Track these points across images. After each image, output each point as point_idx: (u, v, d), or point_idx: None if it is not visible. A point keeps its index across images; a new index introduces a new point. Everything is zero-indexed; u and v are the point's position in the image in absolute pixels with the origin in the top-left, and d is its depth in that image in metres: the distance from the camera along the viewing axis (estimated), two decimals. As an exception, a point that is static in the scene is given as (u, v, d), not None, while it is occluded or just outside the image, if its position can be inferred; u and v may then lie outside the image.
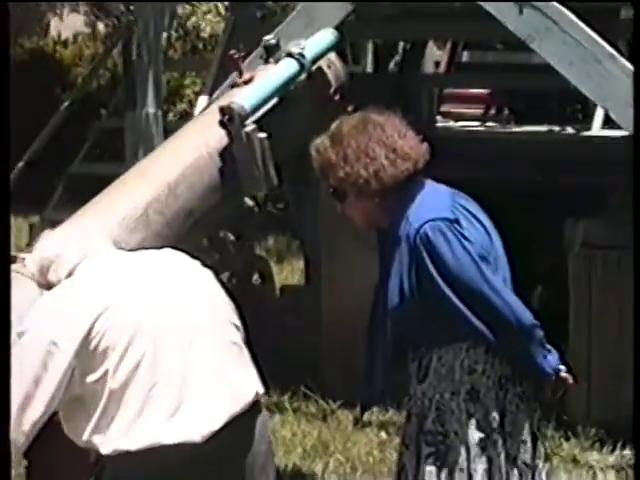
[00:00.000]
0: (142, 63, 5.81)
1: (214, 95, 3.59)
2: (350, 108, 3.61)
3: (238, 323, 2.97)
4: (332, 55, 3.55)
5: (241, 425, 2.83)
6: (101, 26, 12.29)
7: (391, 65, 7.32)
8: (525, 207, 6.20)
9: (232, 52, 3.44)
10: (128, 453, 2.71)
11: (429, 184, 3.27)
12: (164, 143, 3.48)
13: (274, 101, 3.32)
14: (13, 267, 2.99)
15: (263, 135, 3.24)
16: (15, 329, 2.74)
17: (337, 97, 3.52)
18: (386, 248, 3.25)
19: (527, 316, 3.18)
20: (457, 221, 3.15)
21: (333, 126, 3.22)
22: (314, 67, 3.43)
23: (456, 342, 3.20)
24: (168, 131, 5.76)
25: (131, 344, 2.74)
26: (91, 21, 12.67)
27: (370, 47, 7.54)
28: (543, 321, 3.22)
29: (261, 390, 2.92)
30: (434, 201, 3.20)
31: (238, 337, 2.93)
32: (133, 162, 5.29)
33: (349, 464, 5.09)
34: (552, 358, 3.25)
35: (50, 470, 3.20)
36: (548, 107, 8.08)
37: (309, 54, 3.41)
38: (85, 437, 2.75)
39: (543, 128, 6.86)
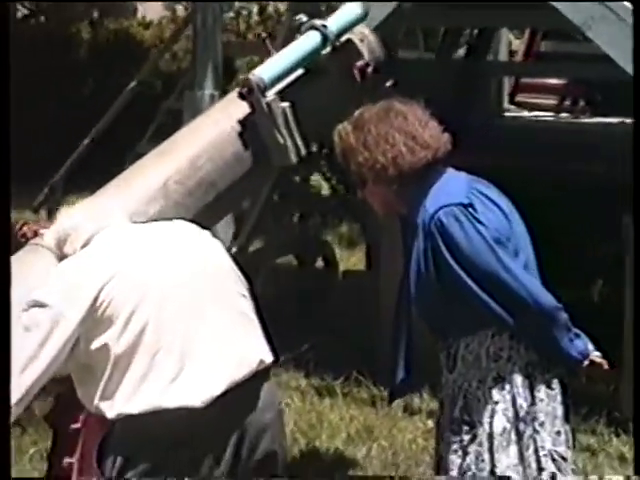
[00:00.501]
0: (201, 46, 5.86)
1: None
2: (389, 83, 3.58)
3: (246, 294, 2.96)
4: (366, 29, 3.51)
5: (245, 392, 2.82)
6: (180, 9, 12.40)
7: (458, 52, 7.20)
8: (589, 199, 6.05)
9: (260, 33, 3.47)
10: (131, 417, 2.73)
11: (449, 172, 3.23)
12: (188, 124, 3.50)
13: (298, 72, 3.30)
14: (32, 240, 3.11)
15: (285, 104, 3.23)
16: (28, 298, 2.80)
17: (370, 71, 3.46)
18: (407, 236, 3.23)
19: (547, 299, 3.08)
20: (471, 205, 3.10)
21: (356, 112, 3.22)
22: (342, 40, 3.39)
23: (481, 329, 3.13)
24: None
25: (136, 311, 2.76)
26: (170, 4, 12.79)
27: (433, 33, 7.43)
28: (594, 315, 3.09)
29: (268, 359, 2.91)
30: (450, 187, 3.17)
31: (246, 307, 2.93)
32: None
33: (392, 450, 5.02)
34: (580, 342, 3.13)
35: (75, 438, 3.23)
36: (624, 99, 7.86)
37: (333, 26, 3.37)
38: (95, 403, 2.78)
39: (615, 120, 6.67)
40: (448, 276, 3.08)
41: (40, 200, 7.07)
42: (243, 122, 3.26)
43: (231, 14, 11.66)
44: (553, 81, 8.24)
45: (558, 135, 6.49)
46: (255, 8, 12.23)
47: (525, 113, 7.67)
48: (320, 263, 7.43)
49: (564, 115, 7.69)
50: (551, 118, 7.34)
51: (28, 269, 3.05)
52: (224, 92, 5.86)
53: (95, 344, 2.75)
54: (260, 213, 6.25)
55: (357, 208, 7.34)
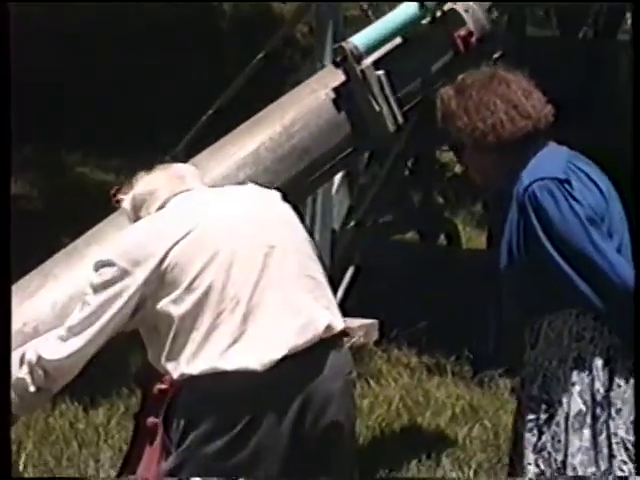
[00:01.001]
0: (320, 20, 5.98)
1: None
2: (497, 55, 3.55)
3: (315, 257, 2.94)
4: (472, 2, 3.47)
5: (310, 358, 2.78)
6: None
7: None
8: None
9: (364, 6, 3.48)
10: (194, 378, 2.73)
11: (550, 145, 3.16)
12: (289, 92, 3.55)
13: (397, 41, 3.30)
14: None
15: (380, 72, 3.24)
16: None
17: (474, 41, 3.44)
18: (504, 208, 3.17)
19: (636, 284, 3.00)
20: (568, 181, 3.03)
21: (460, 77, 3.19)
22: (445, 8, 3.38)
23: (566, 307, 3.06)
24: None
25: (202, 273, 2.76)
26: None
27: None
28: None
29: (337, 326, 2.84)
30: (548, 161, 3.10)
31: (316, 271, 2.90)
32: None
33: (494, 431, 4.95)
34: None
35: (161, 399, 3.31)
36: None
37: (433, -5, 3.36)
38: (162, 363, 2.80)
39: None
40: (537, 250, 3.02)
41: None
42: (338, 90, 3.28)
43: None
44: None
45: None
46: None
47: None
48: (443, 240, 7.40)
49: None
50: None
51: (115, 231, 3.14)
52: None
53: (161, 304, 2.76)
54: (380, 187, 6.23)
55: (481, 187, 7.23)
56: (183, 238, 2.78)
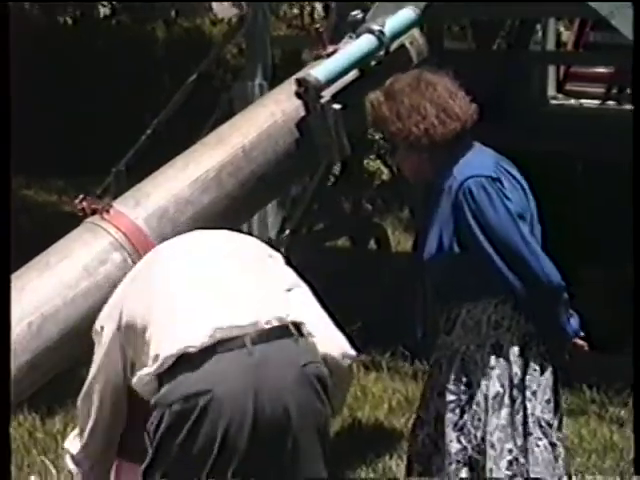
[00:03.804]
0: (251, 39, 6.13)
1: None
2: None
3: (274, 255, 2.99)
4: (415, 32, 3.60)
5: (259, 345, 2.73)
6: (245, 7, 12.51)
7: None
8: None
9: (317, 26, 3.58)
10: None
11: (477, 146, 3.31)
12: (243, 111, 3.59)
13: (353, 74, 3.40)
14: (90, 218, 3.24)
15: (338, 106, 3.32)
16: None
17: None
18: (430, 201, 3.30)
19: (557, 276, 3.18)
20: (499, 180, 3.19)
21: (387, 82, 3.26)
22: (395, 44, 3.50)
23: (486, 297, 3.23)
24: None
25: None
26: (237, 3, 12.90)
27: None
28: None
29: (287, 316, 2.78)
30: (479, 160, 3.24)
31: (270, 265, 2.95)
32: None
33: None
34: (574, 322, 3.27)
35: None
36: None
37: (389, 31, 3.46)
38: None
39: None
40: (468, 242, 3.16)
41: (105, 187, 7.24)
42: (296, 119, 3.35)
43: (295, 10, 11.81)
44: (600, 70, 8.30)
45: (602, 122, 6.57)
46: (319, 5, 12.35)
47: (572, 101, 7.75)
48: (372, 245, 7.56)
49: (610, 103, 7.76)
50: (595, 106, 7.43)
51: (82, 247, 3.17)
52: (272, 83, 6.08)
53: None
54: (312, 197, 6.41)
55: (407, 193, 7.47)
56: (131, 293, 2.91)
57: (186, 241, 3.01)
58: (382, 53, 3.50)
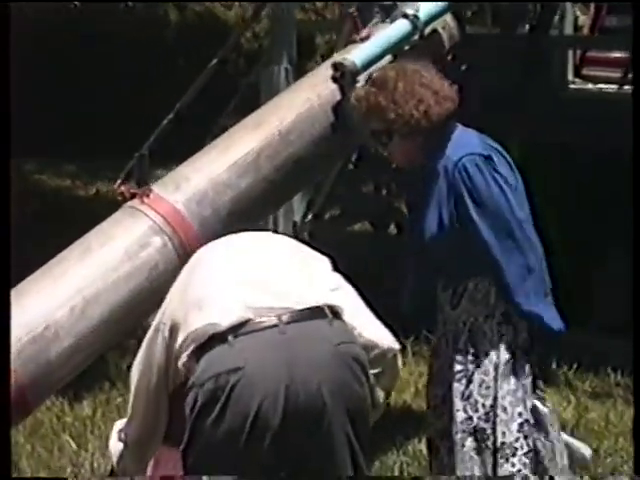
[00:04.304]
0: (277, 23, 6.12)
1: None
2: (463, 67, 3.74)
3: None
4: (448, 16, 3.63)
5: (293, 325, 2.75)
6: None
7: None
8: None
9: (351, 10, 3.59)
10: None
11: (460, 127, 3.34)
12: (279, 95, 3.63)
13: (387, 59, 3.41)
14: (130, 202, 3.28)
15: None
16: None
17: (449, 57, 3.63)
18: (426, 183, 3.32)
19: (542, 258, 3.25)
20: (490, 157, 3.25)
21: (375, 75, 3.29)
22: (429, 29, 3.52)
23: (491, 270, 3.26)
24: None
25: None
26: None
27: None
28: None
29: (321, 300, 2.79)
30: (468, 140, 3.30)
31: (306, 252, 2.97)
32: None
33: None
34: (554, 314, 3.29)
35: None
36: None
37: (423, 16, 3.49)
38: None
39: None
40: (466, 219, 3.21)
41: (127, 170, 7.25)
42: (331, 103, 3.39)
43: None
44: (617, 54, 8.28)
45: (621, 106, 6.56)
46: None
47: (590, 86, 7.74)
48: (393, 229, 7.57)
49: (627, 87, 7.75)
50: (614, 90, 7.41)
51: (123, 231, 3.21)
52: (299, 67, 6.09)
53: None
54: (334, 182, 6.43)
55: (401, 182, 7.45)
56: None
57: (232, 241, 3.02)
58: (416, 38, 3.51)
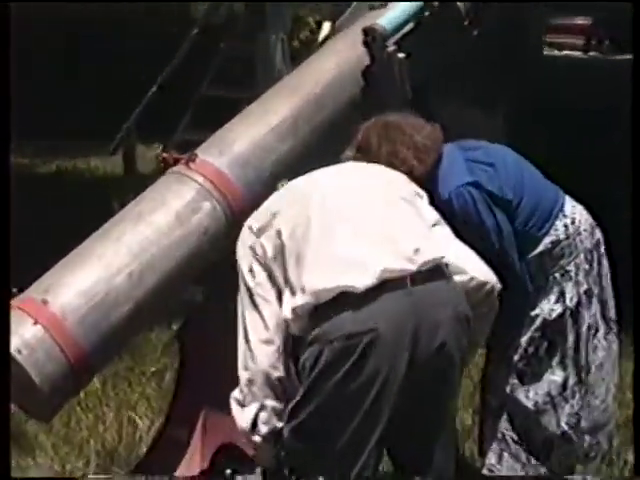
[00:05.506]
0: None
1: (339, 20, 3.83)
2: (475, 32, 3.85)
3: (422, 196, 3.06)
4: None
5: (417, 285, 2.81)
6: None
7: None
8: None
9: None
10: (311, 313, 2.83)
11: (445, 152, 3.34)
12: (308, 60, 3.69)
13: (410, 25, 3.55)
14: (175, 168, 3.30)
15: (402, 55, 3.48)
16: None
17: (466, 23, 3.74)
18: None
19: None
20: (475, 182, 3.29)
21: (359, 135, 3.28)
22: None
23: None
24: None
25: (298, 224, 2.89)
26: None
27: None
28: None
29: (434, 257, 2.86)
30: (451, 167, 3.33)
31: (420, 206, 3.02)
32: (264, 80, 5.55)
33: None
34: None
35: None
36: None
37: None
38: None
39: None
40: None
41: (116, 143, 7.29)
42: (360, 68, 3.50)
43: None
44: (580, 22, 8.45)
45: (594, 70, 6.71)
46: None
47: (556, 52, 7.91)
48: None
49: (592, 54, 7.92)
50: (583, 56, 7.59)
51: (173, 196, 3.24)
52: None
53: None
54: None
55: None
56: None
57: (342, 173, 3.08)
58: (436, 4, 3.64)
